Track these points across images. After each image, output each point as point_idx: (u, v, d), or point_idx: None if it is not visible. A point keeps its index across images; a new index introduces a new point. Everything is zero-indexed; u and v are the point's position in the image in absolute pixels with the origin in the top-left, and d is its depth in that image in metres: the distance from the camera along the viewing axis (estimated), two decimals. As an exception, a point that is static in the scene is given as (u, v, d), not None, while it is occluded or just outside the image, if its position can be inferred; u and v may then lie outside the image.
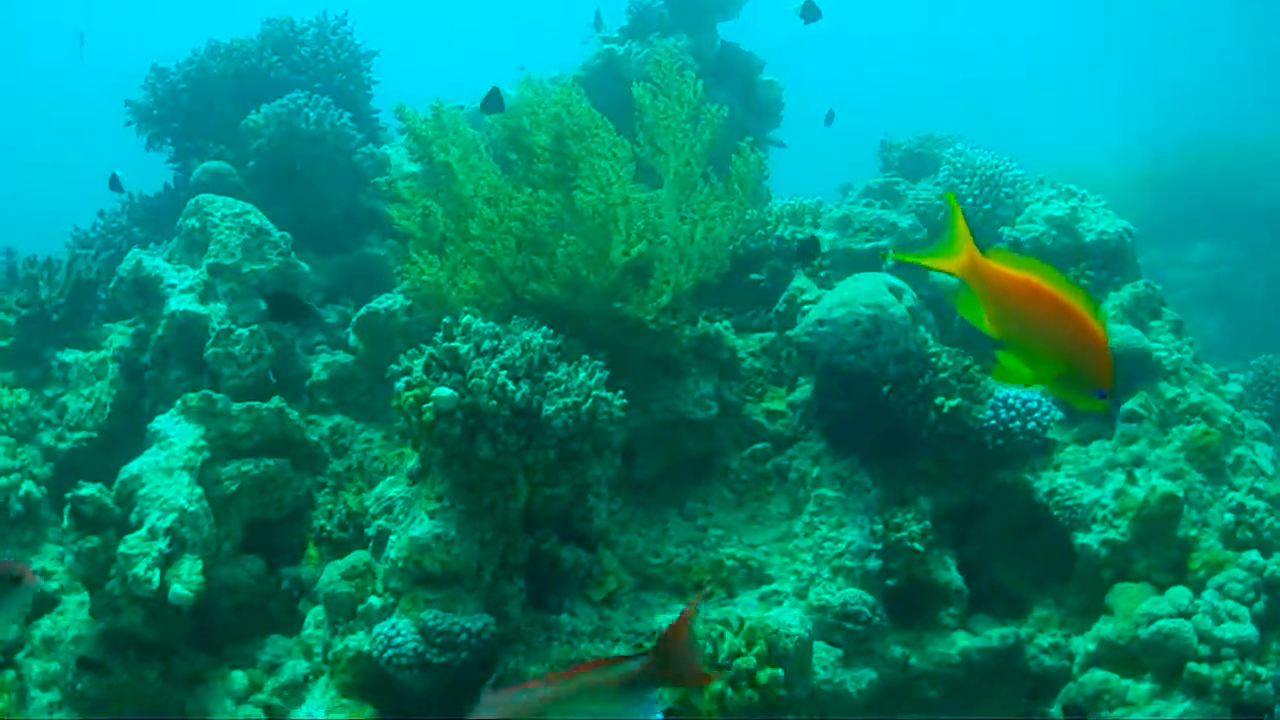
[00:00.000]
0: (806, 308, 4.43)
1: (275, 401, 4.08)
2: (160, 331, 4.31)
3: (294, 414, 4.13)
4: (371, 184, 5.24)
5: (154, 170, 5.99)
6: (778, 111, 6.32)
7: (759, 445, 4.29)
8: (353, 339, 4.77)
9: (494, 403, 3.42)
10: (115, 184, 5.46)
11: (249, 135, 5.43)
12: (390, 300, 4.61)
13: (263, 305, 4.41)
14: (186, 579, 3.61)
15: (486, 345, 3.55)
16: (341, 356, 4.83)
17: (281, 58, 5.76)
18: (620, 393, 3.57)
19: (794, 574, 3.92)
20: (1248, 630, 3.63)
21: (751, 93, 6.17)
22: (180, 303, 4.31)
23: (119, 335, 4.49)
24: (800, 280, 4.71)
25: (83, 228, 5.66)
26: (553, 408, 3.46)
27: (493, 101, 4.47)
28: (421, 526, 3.51)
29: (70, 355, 4.77)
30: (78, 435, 4.53)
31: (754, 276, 4.92)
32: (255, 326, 4.29)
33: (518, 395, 3.44)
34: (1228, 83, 15.73)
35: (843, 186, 6.50)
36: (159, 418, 3.99)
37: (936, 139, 6.28)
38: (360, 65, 5.87)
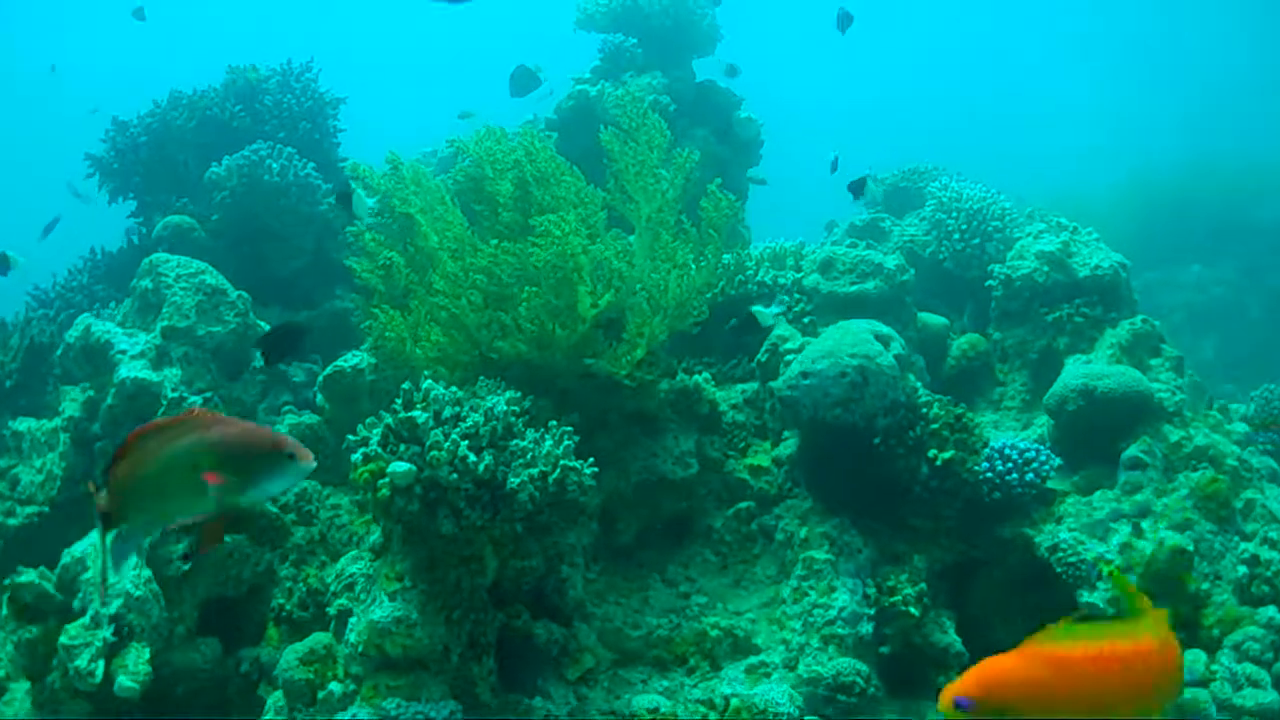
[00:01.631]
0: (789, 357, 4.15)
1: (230, 473, 3.78)
2: (110, 400, 4.02)
3: (251, 486, 3.83)
4: (339, 235, 4.97)
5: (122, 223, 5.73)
6: (757, 149, 6.06)
7: (743, 504, 4.01)
8: (319, 398, 4.48)
9: (455, 476, 3.15)
10: (3, 264, 5.08)
11: (211, 188, 5.17)
12: (357, 358, 4.33)
13: (214, 368, 4.14)
14: (133, 669, 3.32)
15: (447, 413, 3.28)
16: (308, 417, 4.55)
17: (244, 107, 5.50)
18: (591, 460, 3.29)
19: (783, 643, 3.63)
20: (1269, 696, 3.34)
21: (730, 130, 5.92)
22: (130, 370, 4.02)
23: (70, 403, 4.20)
24: (782, 328, 4.44)
25: (44, 286, 5.37)
26: (518, 480, 3.18)
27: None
28: (382, 609, 3.23)
29: (24, 424, 4.47)
30: (28, 510, 4.23)
31: (734, 323, 4.64)
32: (209, 393, 4.00)
33: (480, 467, 3.16)
34: (1222, 105, 15.53)
35: (828, 224, 6.27)
36: (107, 493, 3.70)
37: (921, 172, 6.04)
38: (325, 113, 5.60)
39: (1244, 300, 9.18)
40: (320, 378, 4.43)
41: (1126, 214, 5.08)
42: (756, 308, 4.29)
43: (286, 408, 4.74)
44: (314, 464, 2.05)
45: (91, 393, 4.15)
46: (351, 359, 4.34)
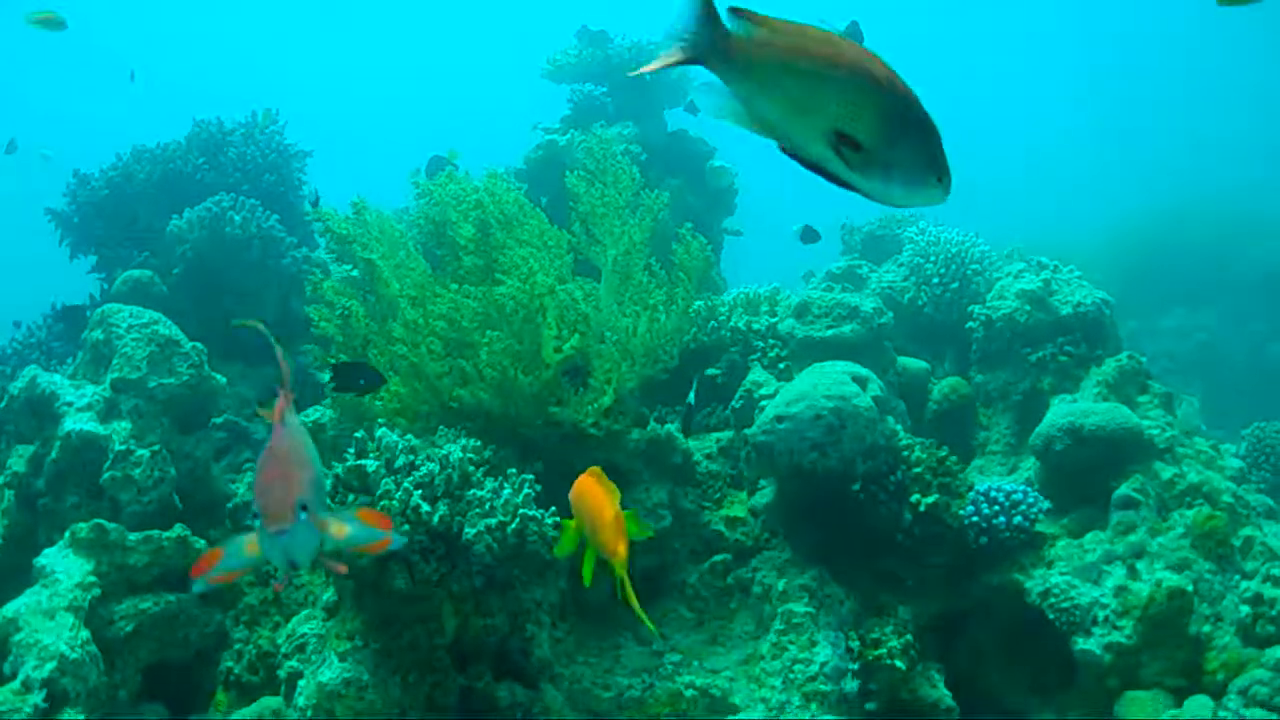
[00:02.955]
0: (764, 403, 3.92)
1: (178, 530, 3.53)
2: (54, 454, 3.77)
3: (200, 543, 3.58)
4: (304, 288, 4.75)
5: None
6: (731, 200, 5.89)
7: (719, 557, 3.75)
8: (281, 455, 4.23)
9: (406, 527, 2.90)
10: None
11: (173, 241, 4.95)
12: (318, 412, 4.11)
13: (165, 421, 3.89)
14: (66, 741, 3.04)
15: (400, 462, 3.04)
16: (269, 474, 4.30)
17: (208, 160, 5.29)
18: (553, 510, 3.04)
19: (762, 702, 3.36)
20: (1280, 747, 3.08)
21: (702, 180, 5.75)
22: (76, 422, 3.77)
23: (16, 459, 3.93)
24: (757, 373, 4.22)
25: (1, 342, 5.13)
26: (474, 530, 2.93)
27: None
28: (331, 670, 2.97)
29: (-31, 483, 4.21)
30: (-31, 572, 3.96)
31: (710, 372, 4.42)
32: (157, 447, 3.75)
33: (435, 518, 2.92)
34: (1203, 153, 15.46)
35: (805, 275, 6.06)
36: (46, 551, 3.44)
37: (898, 219, 5.84)
38: (291, 165, 5.40)
39: (1227, 347, 9.02)
40: (281, 433, 4.18)
41: (1107, 261, 4.90)
42: (774, 319, 4.04)
43: (248, 465, 4.50)
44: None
45: (36, 446, 3.89)
46: (312, 414, 4.11)
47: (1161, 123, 19.04)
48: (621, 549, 2.11)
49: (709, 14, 1.42)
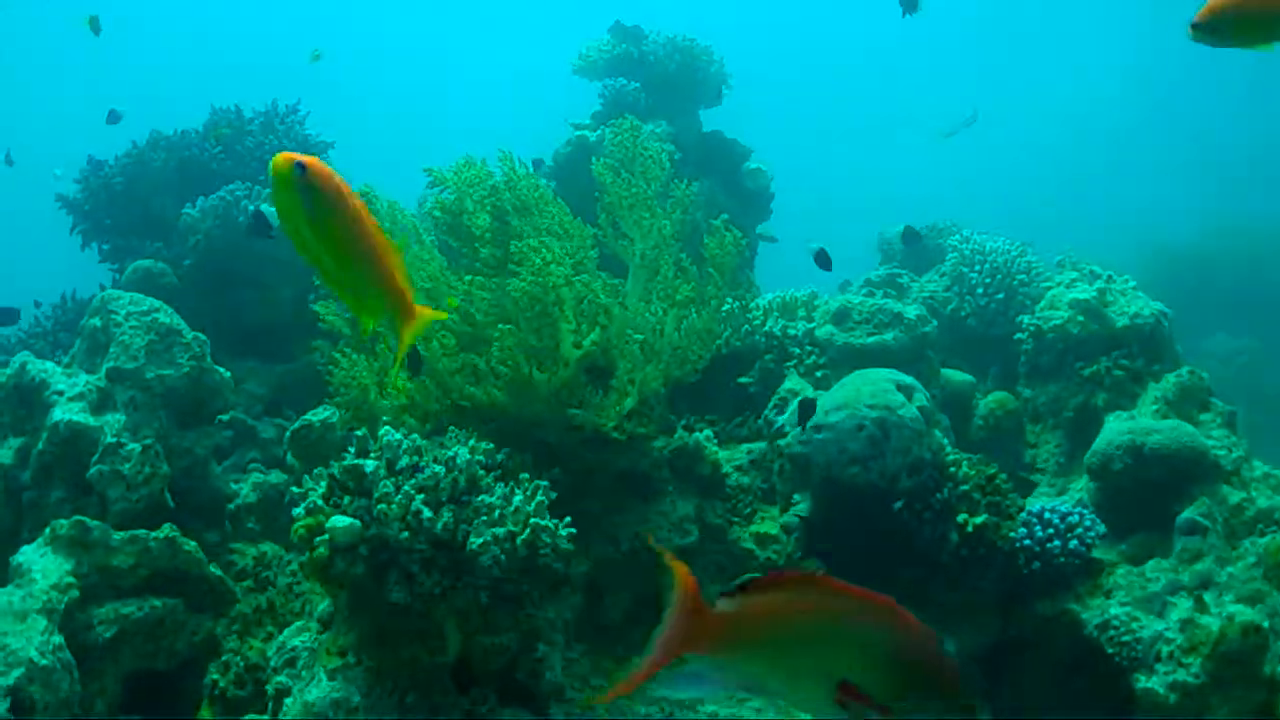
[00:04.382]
0: (801, 412, 3.57)
1: (166, 530, 3.22)
2: (41, 446, 3.47)
3: (190, 545, 3.26)
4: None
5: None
6: (767, 203, 5.54)
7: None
8: (289, 456, 3.93)
9: (406, 534, 2.58)
10: None
11: (186, 231, 4.67)
12: (328, 411, 3.78)
13: (163, 415, 3.59)
14: (31, 756, 2.72)
15: (403, 463, 2.72)
16: (275, 476, 4.02)
17: (225, 149, 5.00)
18: (568, 520, 2.71)
19: (791, 736, 3.01)
20: (1368, 805, 2.71)
21: (737, 182, 5.41)
22: (66, 412, 3.47)
23: (4, 450, 3.63)
24: (793, 381, 3.88)
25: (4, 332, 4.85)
26: (480, 540, 2.60)
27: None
28: (319, 689, 2.65)
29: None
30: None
31: (742, 380, 4.08)
32: (150, 441, 3.44)
33: (438, 525, 2.59)
34: (1243, 170, 15.02)
35: (842, 284, 5.71)
36: (25, 548, 3.13)
37: (939, 228, 5.49)
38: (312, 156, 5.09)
39: (1270, 372, 8.61)
40: (288, 433, 3.88)
41: (1147, 282, 4.58)
42: (811, 324, 3.70)
43: (253, 465, 4.20)
44: None
45: (25, 437, 3.59)
46: (322, 413, 3.79)
47: (1206, 142, 18.58)
48: None
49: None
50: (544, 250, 3.05)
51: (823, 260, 4.12)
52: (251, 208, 4.35)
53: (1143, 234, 10.20)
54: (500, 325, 3.03)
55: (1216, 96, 19.29)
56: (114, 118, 5.87)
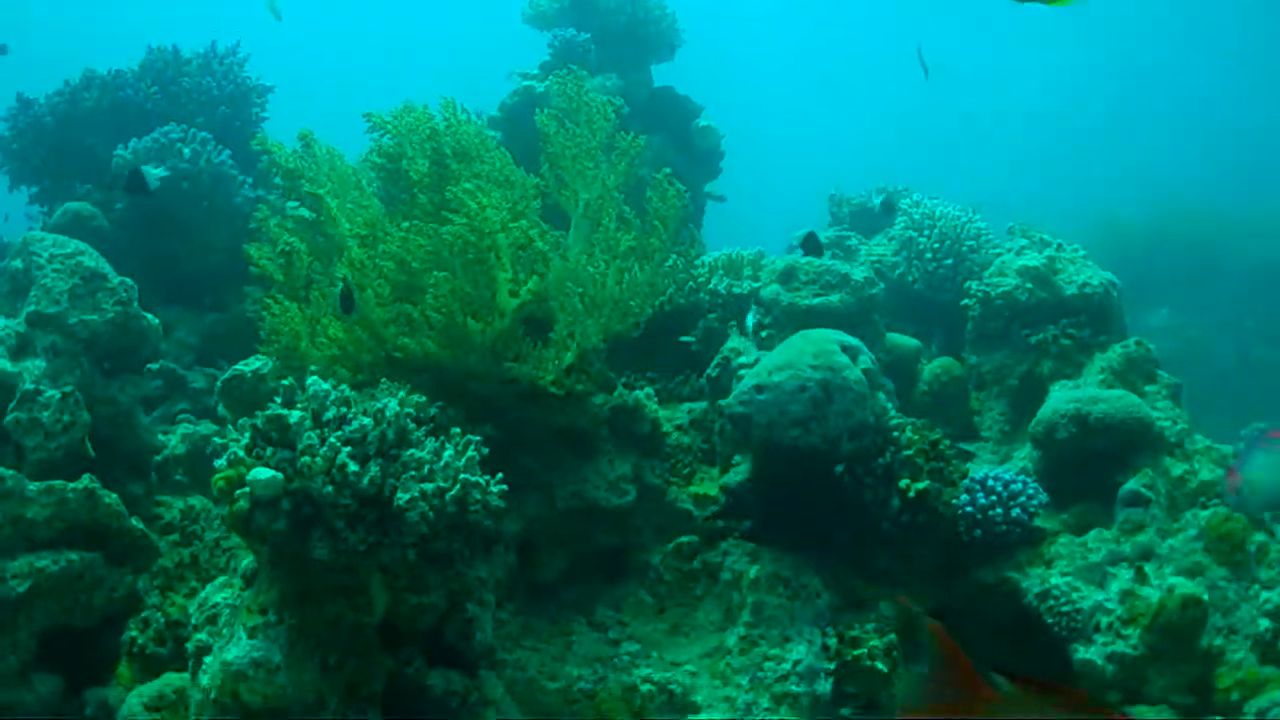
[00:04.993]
0: (743, 372, 3.49)
1: (85, 481, 3.07)
2: (-44, 394, 3.31)
3: (111, 497, 3.13)
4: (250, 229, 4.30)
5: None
6: (717, 161, 5.46)
7: (685, 539, 3.32)
8: (220, 407, 3.80)
9: (330, 489, 2.46)
10: None
11: (117, 173, 4.47)
12: (260, 361, 3.65)
13: (85, 362, 3.44)
14: (-66, 713, 2.60)
15: (330, 414, 2.59)
16: (205, 427, 3.88)
17: (161, 89, 4.81)
18: (500, 477, 2.60)
19: (726, 701, 2.94)
20: (1304, 779, 2.68)
21: (687, 140, 5.30)
22: (-19, 359, 3.32)
23: (-81, 398, 3.48)
24: (736, 340, 3.78)
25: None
26: (408, 495, 2.49)
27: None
28: (238, 648, 2.53)
29: None
30: None
31: (685, 339, 3.98)
32: (70, 388, 3.29)
33: (364, 480, 2.48)
34: (1192, 151, 15.08)
35: (790, 246, 5.63)
36: (-67, 500, 2.98)
37: (891, 192, 5.40)
38: (249, 99, 4.93)
39: (1214, 347, 8.64)
40: (219, 383, 3.75)
41: (1095, 255, 4.53)
42: (756, 284, 3.62)
43: (182, 416, 4.07)
44: None
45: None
46: (254, 363, 3.67)
47: (1154, 118, 18.64)
48: None
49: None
50: (479, 194, 2.93)
51: (812, 245, 4.02)
52: (128, 165, 4.17)
53: (1094, 211, 10.19)
54: (435, 273, 2.91)
55: (1183, 80, 19.39)
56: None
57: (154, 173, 3.88)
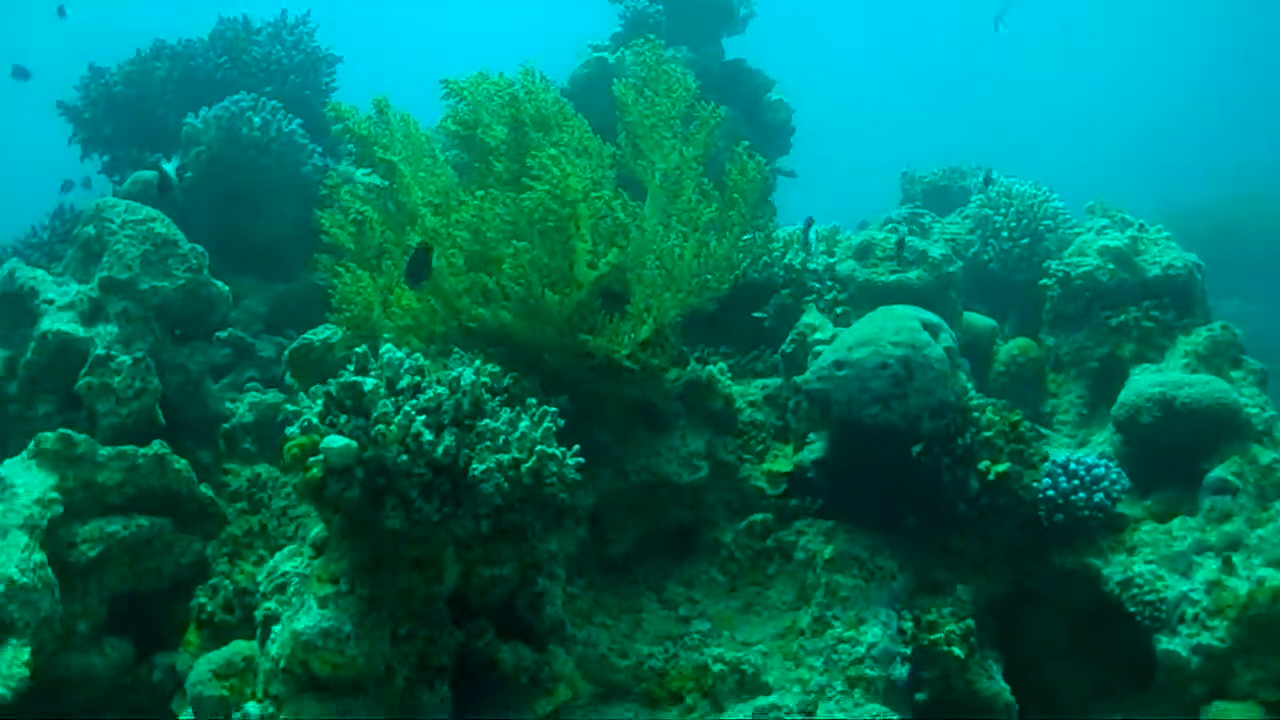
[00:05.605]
0: (819, 348, 3.40)
1: (156, 446, 3.05)
2: (30, 356, 3.30)
3: (180, 463, 3.11)
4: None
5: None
6: (788, 136, 5.36)
7: (758, 516, 3.24)
8: (288, 376, 3.77)
9: (405, 458, 2.40)
10: None
11: (187, 143, 4.48)
12: (329, 330, 3.63)
13: (156, 328, 3.42)
14: (6, 672, 2.58)
15: (405, 383, 2.54)
16: (272, 396, 3.86)
17: (230, 59, 4.79)
18: (576, 449, 2.54)
19: (799, 683, 2.86)
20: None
21: (758, 114, 5.20)
22: (55, 322, 3.31)
23: (-8, 360, 3.47)
24: (812, 316, 3.70)
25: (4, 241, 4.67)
26: (483, 466, 2.43)
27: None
28: (309, 617, 2.48)
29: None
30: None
31: (758, 315, 3.90)
32: (141, 354, 3.26)
33: (439, 449, 2.42)
34: (1260, 135, 14.73)
35: (860, 223, 5.52)
36: (8, 461, 2.98)
37: (963, 170, 5.30)
38: (319, 69, 4.90)
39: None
40: (287, 351, 3.72)
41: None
42: (833, 259, 3.54)
43: (251, 384, 4.06)
44: None
45: (11, 350, 3.42)
46: (323, 332, 3.64)
47: (1223, 103, 18.24)
48: None
49: None
50: (563, 161, 2.86)
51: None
52: (158, 163, 4.15)
53: (1164, 196, 9.97)
54: (514, 242, 2.85)
55: (1255, 65, 18.96)
56: (20, 73, 5.75)
57: (167, 166, 3.85)
